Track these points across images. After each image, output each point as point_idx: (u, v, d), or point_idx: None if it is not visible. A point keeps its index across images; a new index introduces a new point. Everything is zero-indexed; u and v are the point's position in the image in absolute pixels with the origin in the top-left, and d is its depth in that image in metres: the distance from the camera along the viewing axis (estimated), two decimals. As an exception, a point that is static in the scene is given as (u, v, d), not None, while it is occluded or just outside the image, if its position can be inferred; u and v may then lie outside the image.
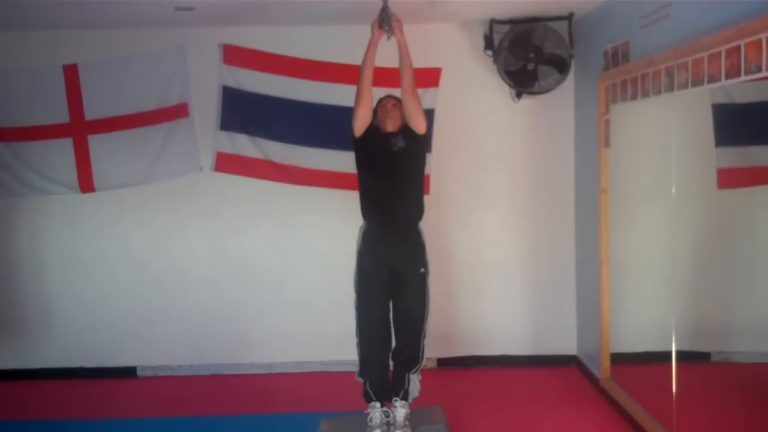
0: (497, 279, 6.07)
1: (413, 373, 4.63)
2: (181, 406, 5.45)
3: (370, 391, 4.60)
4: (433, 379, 5.76)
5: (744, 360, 4.50)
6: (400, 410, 4.55)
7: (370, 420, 4.55)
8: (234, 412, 5.31)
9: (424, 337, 4.63)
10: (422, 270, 4.59)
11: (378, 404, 4.58)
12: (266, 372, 6.10)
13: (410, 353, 4.62)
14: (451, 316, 6.04)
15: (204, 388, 5.83)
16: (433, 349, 5.97)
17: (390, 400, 4.60)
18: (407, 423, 4.53)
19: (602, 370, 5.28)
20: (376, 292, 4.57)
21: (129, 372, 6.11)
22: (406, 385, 4.60)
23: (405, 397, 4.59)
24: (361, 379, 4.67)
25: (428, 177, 5.49)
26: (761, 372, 4.27)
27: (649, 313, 4.73)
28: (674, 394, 4.19)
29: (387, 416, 4.55)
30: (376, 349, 4.61)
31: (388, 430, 4.51)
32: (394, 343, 4.65)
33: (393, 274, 4.55)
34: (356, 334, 4.64)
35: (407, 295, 4.58)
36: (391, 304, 4.62)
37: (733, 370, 4.56)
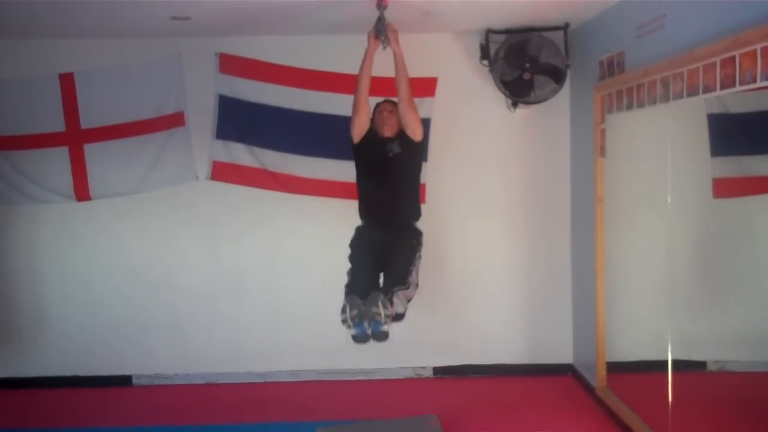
0: (493, 288, 6.07)
1: (399, 291, 4.36)
2: (176, 415, 5.44)
3: (352, 296, 4.28)
4: (429, 388, 5.78)
5: (740, 369, 4.51)
6: (381, 299, 4.20)
7: (343, 310, 4.19)
8: (229, 421, 5.30)
9: (411, 275, 4.48)
10: (414, 242, 4.58)
11: (357, 297, 4.25)
12: (261, 381, 6.08)
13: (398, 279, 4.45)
14: (447, 325, 6.03)
15: (199, 397, 5.81)
16: (428, 358, 6.01)
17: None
18: (386, 309, 4.15)
19: (598, 378, 5.28)
20: (370, 258, 4.53)
21: (124, 380, 6.08)
22: (391, 295, 4.32)
23: (389, 299, 4.29)
24: (344, 304, 4.24)
25: (424, 186, 5.49)
26: (757, 381, 4.27)
27: (645, 322, 4.74)
28: (670, 403, 4.19)
29: (364, 305, 4.20)
30: (365, 285, 4.38)
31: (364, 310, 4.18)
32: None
33: (386, 244, 4.53)
34: (345, 291, 4.42)
35: (398, 252, 4.52)
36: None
37: (729, 379, 4.57)
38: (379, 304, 4.13)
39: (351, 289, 4.41)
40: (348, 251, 4.63)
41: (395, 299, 4.31)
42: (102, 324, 6.05)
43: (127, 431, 5.20)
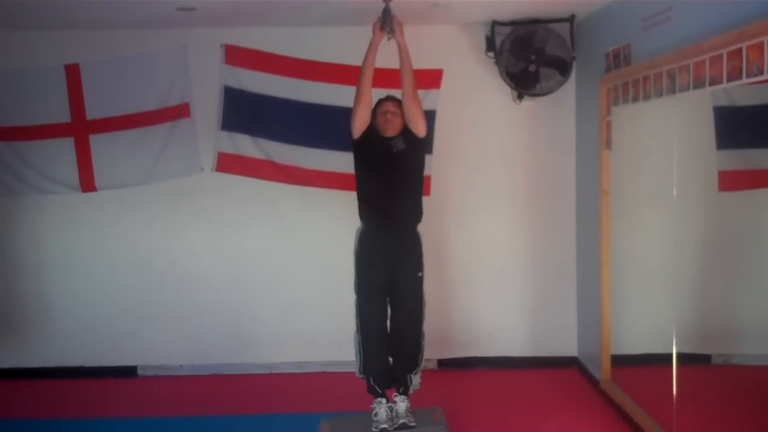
0: (498, 280, 6.07)
1: (414, 374, 4.69)
2: (181, 406, 5.45)
3: (375, 386, 4.67)
4: (434, 380, 5.76)
5: (745, 363, 4.50)
6: (401, 404, 4.65)
7: (376, 415, 4.62)
8: (234, 412, 5.31)
9: (422, 338, 4.68)
10: (419, 274, 4.62)
11: (384, 400, 4.66)
12: (266, 372, 6.10)
13: (410, 355, 4.66)
14: (452, 317, 6.04)
15: (204, 388, 5.82)
16: (433, 350, 5.98)
17: (392, 387, 4.72)
18: (409, 414, 4.63)
19: (602, 372, 5.28)
20: (375, 294, 4.60)
21: (129, 371, 6.11)
22: (408, 383, 4.69)
23: (405, 392, 4.69)
24: (363, 375, 4.72)
25: (429, 178, 5.49)
26: (762, 374, 4.27)
27: (650, 315, 4.73)
28: (675, 397, 4.19)
29: (391, 411, 4.64)
30: (378, 346, 4.65)
31: (393, 423, 4.59)
32: (393, 343, 4.69)
33: (391, 277, 4.57)
34: (356, 332, 4.68)
35: (405, 298, 4.61)
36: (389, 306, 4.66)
37: (734, 372, 4.56)
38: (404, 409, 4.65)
39: (367, 368, 4.69)
40: (352, 251, 4.62)
41: (411, 386, 4.72)
42: (107, 315, 6.07)
43: (131, 422, 5.21)
